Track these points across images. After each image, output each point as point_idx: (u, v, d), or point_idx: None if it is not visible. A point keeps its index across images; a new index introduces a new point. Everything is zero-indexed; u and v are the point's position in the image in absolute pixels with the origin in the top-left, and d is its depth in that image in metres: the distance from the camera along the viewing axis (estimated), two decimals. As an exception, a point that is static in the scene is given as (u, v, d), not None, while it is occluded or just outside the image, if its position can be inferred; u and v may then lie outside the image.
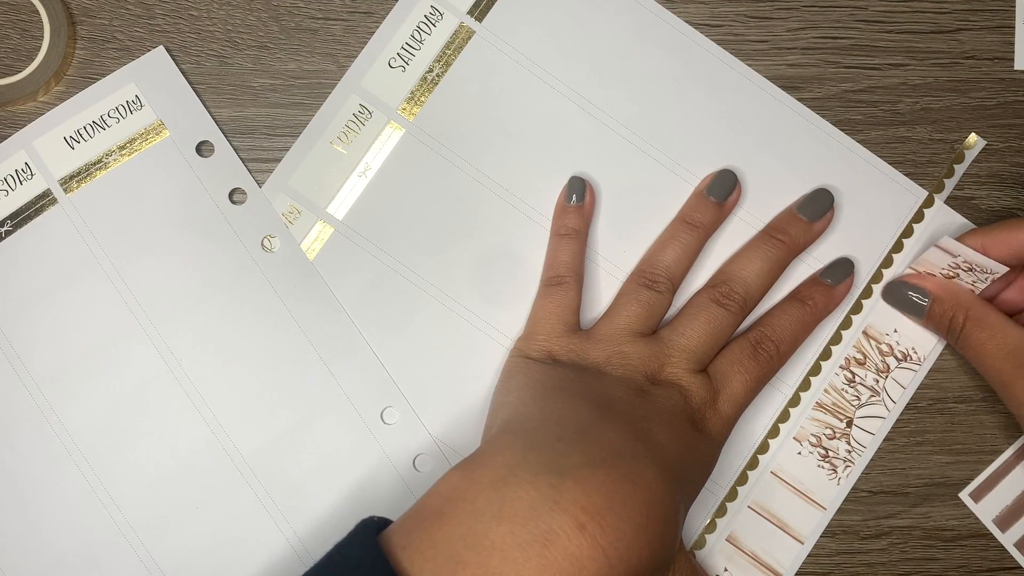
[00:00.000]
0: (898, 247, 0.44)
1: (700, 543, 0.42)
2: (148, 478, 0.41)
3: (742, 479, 0.42)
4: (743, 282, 0.41)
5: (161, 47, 0.43)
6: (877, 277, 0.43)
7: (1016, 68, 0.45)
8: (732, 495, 0.42)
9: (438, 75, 0.43)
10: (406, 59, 0.44)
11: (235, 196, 0.43)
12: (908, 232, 0.44)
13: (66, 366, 0.41)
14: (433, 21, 0.44)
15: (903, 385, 0.43)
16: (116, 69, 0.43)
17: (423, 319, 0.42)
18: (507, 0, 0.44)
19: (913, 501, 0.43)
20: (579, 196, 0.42)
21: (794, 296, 0.42)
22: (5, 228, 0.42)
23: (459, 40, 0.44)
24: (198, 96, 0.43)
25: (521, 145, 0.43)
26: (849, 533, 0.43)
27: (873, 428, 0.43)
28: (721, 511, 0.42)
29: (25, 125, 0.43)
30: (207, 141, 0.43)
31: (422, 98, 0.43)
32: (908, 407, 0.43)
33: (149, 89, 0.43)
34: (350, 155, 0.43)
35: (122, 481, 0.41)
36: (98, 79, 0.43)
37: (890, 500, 0.43)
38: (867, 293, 0.43)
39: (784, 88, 0.44)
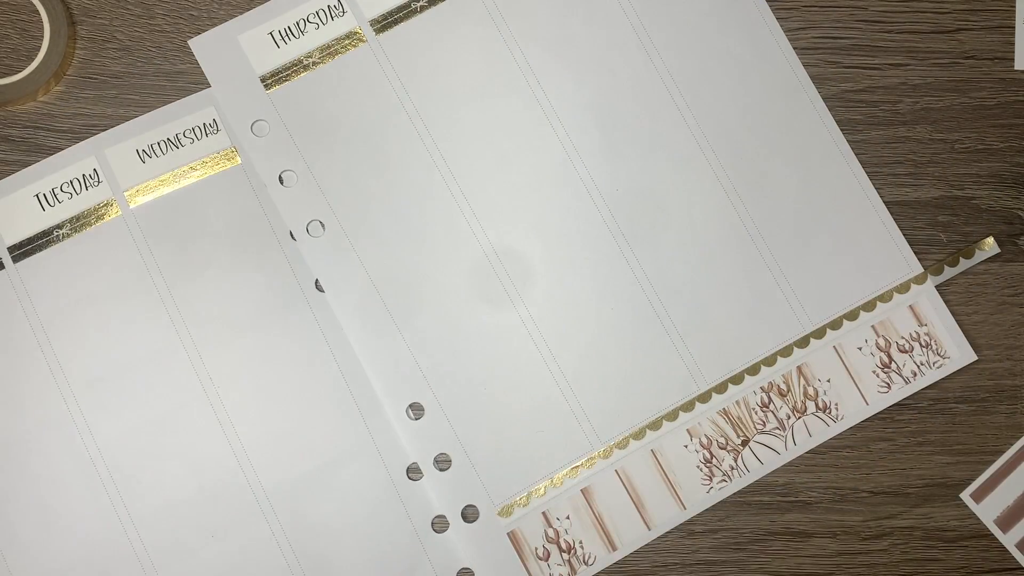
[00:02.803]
0: (870, 306, 0.43)
1: (557, 482, 0.42)
2: (169, 499, 0.41)
3: (623, 443, 0.42)
4: None
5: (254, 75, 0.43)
6: (836, 324, 0.43)
7: (1016, 68, 0.45)
8: (607, 453, 0.42)
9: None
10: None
11: (299, 231, 0.43)
12: (887, 297, 0.43)
13: (104, 376, 0.41)
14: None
15: (811, 433, 0.43)
16: (116, 69, 0.43)
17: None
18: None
19: (914, 502, 0.43)
20: None
21: None
22: (64, 231, 0.42)
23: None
24: (281, 123, 0.43)
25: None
26: (850, 533, 0.43)
27: (764, 458, 0.43)
28: (589, 463, 0.42)
29: (26, 123, 0.43)
30: (287, 171, 0.43)
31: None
32: (909, 407, 0.43)
33: (228, 112, 0.43)
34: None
35: (142, 499, 0.41)
36: (98, 79, 0.43)
37: (891, 500, 0.43)
38: (820, 334, 0.43)
39: (784, 88, 0.44)
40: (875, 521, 0.43)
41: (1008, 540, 0.43)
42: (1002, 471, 0.43)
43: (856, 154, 0.44)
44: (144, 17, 0.44)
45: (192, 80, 0.43)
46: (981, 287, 0.44)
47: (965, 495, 0.43)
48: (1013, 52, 0.45)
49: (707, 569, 0.43)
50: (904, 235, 0.44)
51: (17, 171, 0.43)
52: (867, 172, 0.44)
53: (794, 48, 0.44)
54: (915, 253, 0.44)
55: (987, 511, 0.43)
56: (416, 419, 0.42)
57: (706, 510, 0.43)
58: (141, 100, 0.43)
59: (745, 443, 0.43)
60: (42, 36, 0.42)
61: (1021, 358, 0.44)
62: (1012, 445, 0.43)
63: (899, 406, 0.43)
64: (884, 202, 0.44)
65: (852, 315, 0.43)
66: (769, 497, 0.43)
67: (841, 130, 0.44)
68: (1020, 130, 0.44)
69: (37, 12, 0.43)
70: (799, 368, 0.43)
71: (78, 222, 0.42)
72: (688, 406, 0.43)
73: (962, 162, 0.44)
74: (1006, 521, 0.43)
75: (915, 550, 0.43)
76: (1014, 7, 0.45)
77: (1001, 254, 0.44)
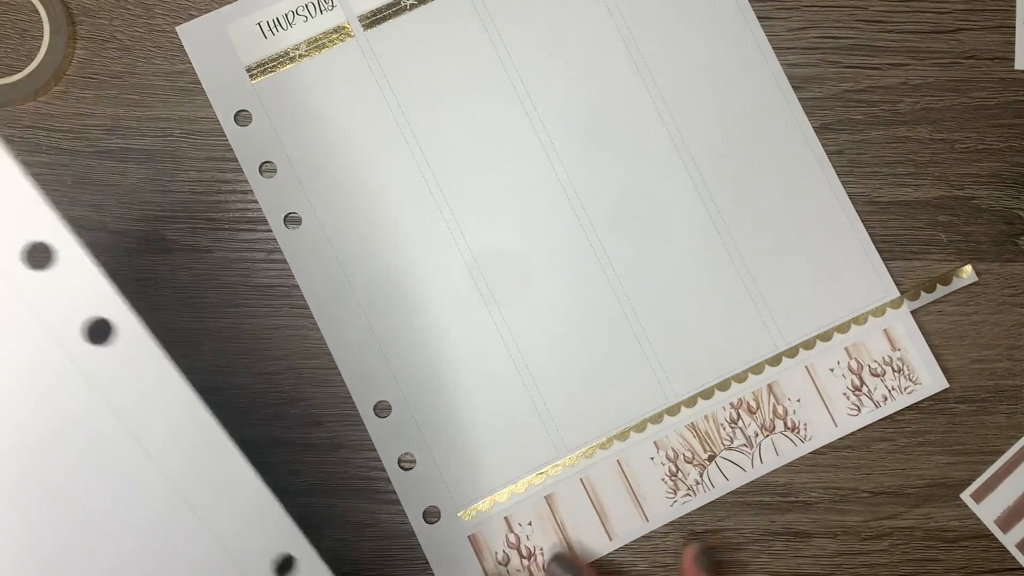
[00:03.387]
0: (844, 328, 0.43)
1: (521, 488, 0.42)
2: None
3: (589, 452, 0.42)
4: None
5: None
6: (810, 344, 0.43)
7: (1016, 68, 0.45)
8: (573, 461, 0.42)
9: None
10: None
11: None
12: (862, 320, 0.43)
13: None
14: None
15: (778, 452, 0.43)
16: (116, 69, 0.43)
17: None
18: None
19: (914, 502, 0.43)
20: None
21: None
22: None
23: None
24: None
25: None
26: (850, 534, 0.43)
27: (730, 475, 0.43)
28: (554, 470, 0.42)
29: (26, 123, 0.43)
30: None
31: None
32: (909, 407, 0.43)
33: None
34: None
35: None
36: (98, 79, 0.43)
37: (891, 501, 0.43)
38: (793, 353, 0.43)
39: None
40: (875, 521, 0.43)
41: (1008, 540, 0.43)
42: (1002, 471, 0.43)
43: (834, 164, 0.44)
44: (144, 17, 0.44)
45: (192, 80, 0.43)
46: (981, 287, 0.44)
47: (965, 495, 0.43)
48: (1013, 52, 0.45)
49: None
50: (905, 235, 0.44)
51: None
52: (867, 172, 0.44)
53: (794, 48, 0.44)
54: (916, 254, 0.44)
55: (987, 511, 0.43)
56: (383, 417, 0.42)
57: (706, 510, 0.43)
58: (141, 100, 0.43)
59: (712, 458, 0.43)
60: (42, 36, 0.42)
61: (1021, 358, 0.44)
62: (1012, 445, 0.43)
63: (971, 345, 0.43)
64: (887, 202, 0.44)
65: (826, 336, 0.43)
66: (769, 497, 0.43)
67: (841, 130, 0.44)
68: (1020, 130, 0.44)
69: (37, 12, 0.43)
70: (770, 386, 0.43)
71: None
72: (656, 418, 0.43)
73: (962, 162, 0.44)
74: (1006, 521, 0.43)
75: (915, 550, 0.43)
76: (1014, 7, 0.45)
77: (1001, 254, 0.44)
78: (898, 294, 0.43)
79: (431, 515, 0.42)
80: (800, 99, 0.44)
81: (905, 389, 0.43)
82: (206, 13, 0.44)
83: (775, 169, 0.44)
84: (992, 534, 0.43)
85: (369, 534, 0.43)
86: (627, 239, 0.43)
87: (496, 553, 0.42)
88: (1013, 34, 0.45)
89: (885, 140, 0.44)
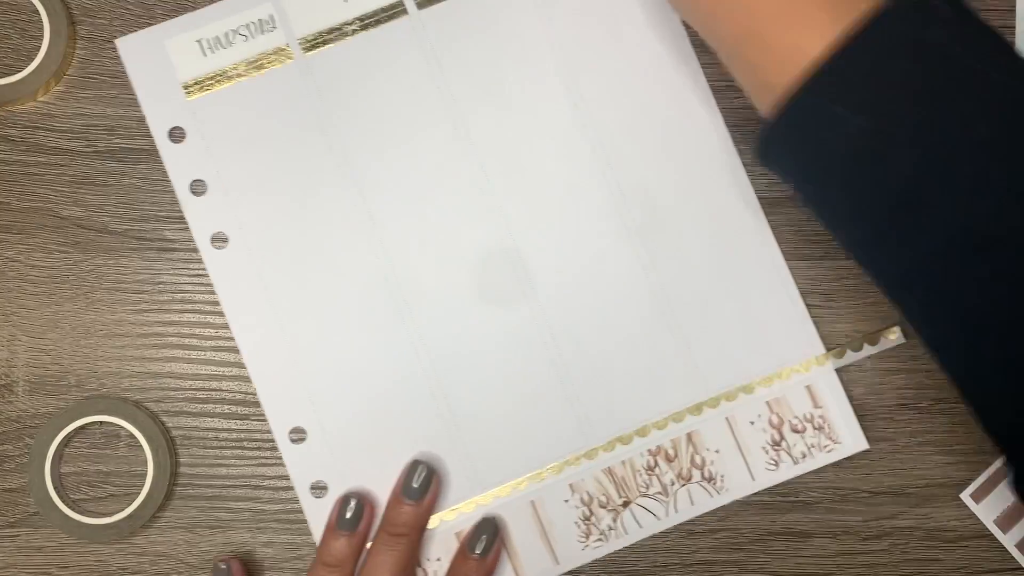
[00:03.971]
0: (768, 382, 0.43)
1: (431, 523, 0.42)
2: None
3: (503, 491, 0.42)
4: None
5: None
6: (732, 396, 0.42)
7: (1016, 68, 0.45)
8: (486, 499, 0.42)
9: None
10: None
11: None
12: (786, 375, 0.43)
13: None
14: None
15: (693, 502, 0.42)
16: (116, 69, 0.43)
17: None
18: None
19: (914, 502, 0.43)
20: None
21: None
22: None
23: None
24: None
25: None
26: (850, 534, 0.43)
27: (644, 522, 0.42)
28: (468, 507, 0.42)
29: (26, 123, 0.43)
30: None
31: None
32: (909, 407, 0.43)
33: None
34: None
35: None
36: (98, 79, 0.43)
37: (891, 501, 0.43)
38: (715, 404, 0.42)
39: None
40: (875, 521, 0.43)
41: (1008, 540, 0.43)
42: (1002, 471, 0.43)
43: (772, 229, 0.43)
44: (144, 17, 0.43)
45: (192, 80, 0.43)
46: (981, 287, 0.44)
47: (965, 495, 0.43)
48: (1013, 52, 0.45)
49: (707, 569, 0.43)
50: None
51: (19, 170, 0.43)
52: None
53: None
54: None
55: (987, 511, 0.43)
56: (297, 443, 0.42)
57: (706, 511, 0.43)
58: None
59: (626, 504, 0.42)
60: (42, 36, 0.42)
61: (1021, 358, 0.44)
62: (1012, 445, 0.43)
63: (899, 407, 0.43)
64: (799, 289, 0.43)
65: (748, 388, 0.43)
66: (769, 497, 0.43)
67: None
68: (1020, 130, 0.44)
69: (37, 12, 0.43)
70: (689, 435, 0.43)
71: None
72: (574, 461, 0.42)
73: (962, 162, 0.44)
74: (1006, 521, 0.43)
75: (915, 550, 0.43)
76: (1014, 7, 0.45)
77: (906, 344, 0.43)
78: (823, 351, 0.43)
79: None
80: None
81: (824, 447, 0.42)
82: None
83: (709, 218, 0.43)
84: (992, 534, 0.43)
85: (271, 563, 0.42)
86: (556, 278, 0.43)
87: None
88: (1013, 34, 0.45)
89: (885, 140, 0.44)
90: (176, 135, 0.43)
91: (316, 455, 0.42)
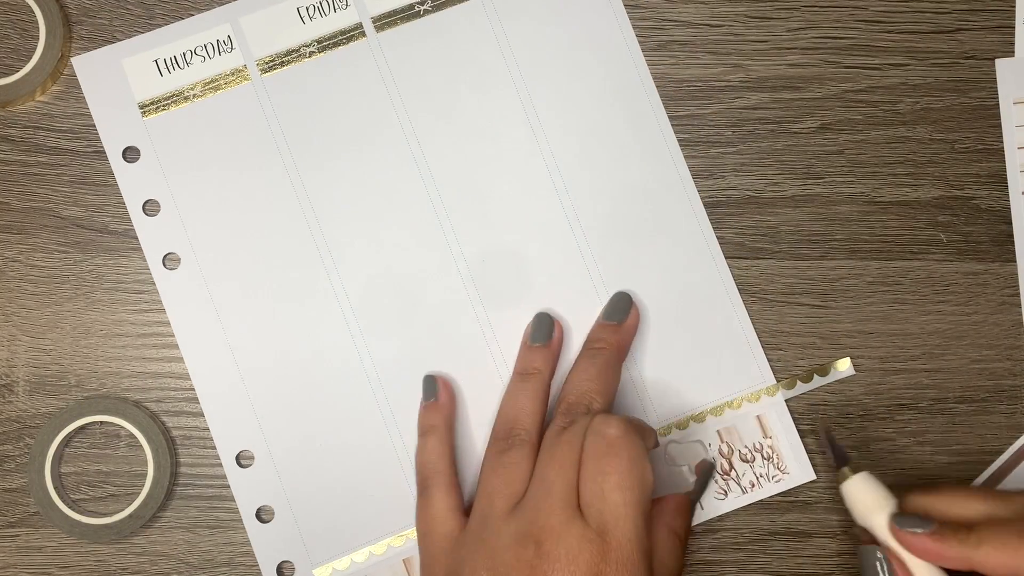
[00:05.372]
0: (718, 411, 0.43)
1: (378, 548, 0.41)
2: None
3: None
4: (580, 392, 0.39)
5: None
6: (683, 424, 0.42)
7: (1016, 68, 0.45)
8: None
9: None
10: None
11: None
12: (736, 404, 0.43)
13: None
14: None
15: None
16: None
17: None
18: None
19: (914, 502, 0.43)
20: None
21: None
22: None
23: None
24: None
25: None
26: (850, 534, 0.43)
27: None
28: (415, 533, 0.41)
29: (26, 123, 0.43)
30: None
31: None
32: (909, 407, 0.43)
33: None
34: None
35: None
36: (97, 79, 0.43)
37: (891, 501, 0.43)
38: (666, 432, 0.42)
39: (784, 88, 0.44)
40: (875, 521, 0.43)
41: (1008, 540, 0.43)
42: (1002, 471, 0.43)
43: (833, 164, 0.44)
44: (144, 17, 0.43)
45: (192, 80, 0.43)
46: (981, 287, 0.44)
47: (965, 495, 0.43)
48: (1013, 52, 0.45)
49: (707, 569, 0.43)
50: (905, 235, 0.44)
51: (19, 170, 0.43)
52: (867, 172, 0.44)
53: (794, 48, 0.44)
54: (915, 254, 0.44)
55: (987, 511, 0.43)
56: (244, 467, 0.42)
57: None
58: (141, 100, 0.43)
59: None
60: (38, 36, 0.42)
61: (1021, 358, 0.44)
62: (1012, 445, 0.43)
63: (899, 407, 0.43)
64: (886, 202, 0.44)
65: (699, 417, 0.43)
66: (769, 497, 0.43)
67: (840, 130, 0.44)
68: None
69: (34, 13, 0.43)
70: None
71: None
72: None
73: (962, 162, 0.44)
74: (1006, 521, 0.43)
75: (915, 550, 0.43)
76: (1014, 7, 0.45)
77: (1001, 254, 0.44)
78: (774, 381, 0.43)
79: (285, 571, 0.41)
80: (800, 99, 0.44)
81: (773, 477, 0.42)
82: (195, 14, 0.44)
83: (663, 246, 0.43)
84: (992, 534, 0.43)
85: None
86: (510, 303, 0.43)
87: None
88: (1013, 34, 0.45)
89: (885, 140, 0.44)
90: (130, 155, 0.43)
91: (263, 480, 0.42)
